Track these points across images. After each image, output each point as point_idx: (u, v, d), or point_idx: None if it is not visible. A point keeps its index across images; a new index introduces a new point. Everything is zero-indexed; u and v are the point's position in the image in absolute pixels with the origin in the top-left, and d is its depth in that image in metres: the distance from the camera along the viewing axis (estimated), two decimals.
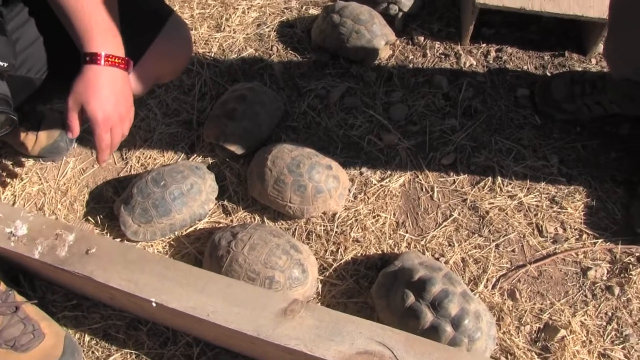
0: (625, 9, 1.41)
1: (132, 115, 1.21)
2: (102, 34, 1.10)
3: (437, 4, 2.06)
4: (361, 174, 1.65)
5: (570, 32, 1.97)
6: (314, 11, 2.05)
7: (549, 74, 1.87)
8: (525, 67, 1.89)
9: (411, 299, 1.27)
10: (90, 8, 1.11)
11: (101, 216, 1.58)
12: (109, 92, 1.12)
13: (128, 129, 1.22)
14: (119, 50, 1.13)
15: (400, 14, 1.94)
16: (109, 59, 1.11)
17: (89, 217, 1.58)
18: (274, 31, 2.00)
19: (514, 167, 1.66)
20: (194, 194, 1.54)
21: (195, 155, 1.70)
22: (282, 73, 1.87)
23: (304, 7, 2.07)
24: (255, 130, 1.66)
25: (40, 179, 1.66)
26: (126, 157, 1.71)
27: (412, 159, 1.68)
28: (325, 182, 1.49)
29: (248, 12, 2.06)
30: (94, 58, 1.10)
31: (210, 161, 1.69)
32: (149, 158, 1.71)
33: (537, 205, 1.59)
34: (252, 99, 1.67)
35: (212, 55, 1.93)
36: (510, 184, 1.63)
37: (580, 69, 1.88)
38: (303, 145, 1.61)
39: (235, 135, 1.63)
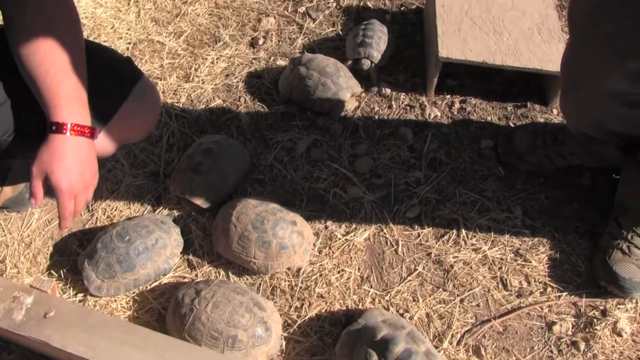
0: (573, 72, 1.45)
1: (96, 181, 1.22)
2: (68, 103, 1.11)
3: (404, 55, 2.10)
4: (326, 227, 1.65)
5: (532, 83, 2.02)
6: (281, 62, 2.06)
7: (512, 125, 1.90)
8: (489, 118, 1.92)
9: (374, 359, 1.26)
10: (58, 76, 1.11)
11: (65, 270, 1.56)
12: (74, 161, 1.13)
13: (92, 194, 1.22)
14: (86, 119, 1.14)
15: (373, 65, 1.97)
16: (75, 129, 1.11)
17: (52, 271, 1.56)
18: (242, 82, 2.02)
19: (478, 219, 1.67)
20: (158, 249, 1.53)
21: (161, 207, 1.70)
22: (249, 124, 1.88)
23: (271, 58, 2.09)
24: (222, 184, 1.65)
25: (4, 230, 1.64)
26: (92, 209, 1.69)
27: (377, 212, 1.68)
28: (290, 238, 1.49)
29: (217, 63, 2.07)
30: (59, 127, 1.10)
31: (176, 214, 1.68)
32: (115, 210, 1.69)
33: (502, 259, 1.60)
34: (218, 153, 1.67)
35: (181, 106, 1.93)
36: (475, 236, 1.64)
37: (542, 120, 1.92)
38: (268, 199, 1.61)
39: (201, 189, 1.63)
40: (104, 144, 1.30)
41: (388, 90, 1.99)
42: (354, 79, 1.95)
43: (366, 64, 1.98)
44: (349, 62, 2.00)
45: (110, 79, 1.31)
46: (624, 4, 1.18)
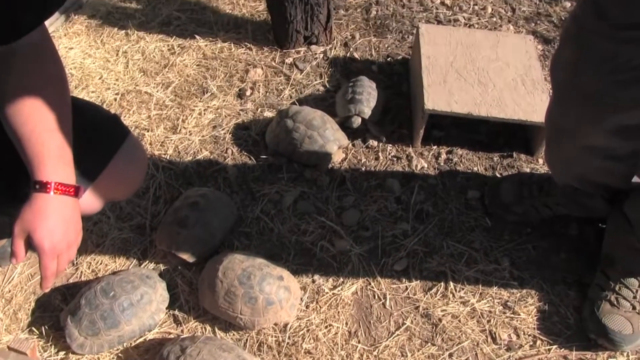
0: (555, 126, 1.51)
1: (80, 240, 1.23)
2: (53, 162, 1.12)
3: (390, 105, 2.17)
4: (313, 281, 1.69)
5: (517, 133, 2.09)
6: (269, 113, 2.13)
7: (498, 175, 1.97)
8: (475, 169, 1.98)
9: None
10: (43, 135, 1.12)
11: (46, 326, 1.58)
12: (58, 220, 1.14)
13: (75, 253, 1.23)
14: (70, 178, 1.15)
15: (364, 120, 2.02)
16: (59, 188, 1.12)
17: (34, 328, 1.58)
18: (229, 133, 2.07)
19: (466, 271, 1.71)
20: (144, 305, 1.56)
21: (147, 261, 1.73)
22: (236, 177, 1.93)
23: (259, 109, 2.16)
24: (208, 238, 1.69)
25: None
26: (77, 263, 1.72)
27: (365, 265, 1.73)
28: (276, 294, 1.53)
29: (204, 114, 2.14)
30: (43, 186, 1.11)
31: (163, 268, 1.71)
32: (100, 264, 1.72)
33: (490, 311, 1.64)
34: (204, 206, 1.72)
35: (168, 158, 1.99)
36: (463, 289, 1.68)
37: (528, 170, 1.98)
38: (255, 254, 1.65)
39: (187, 243, 1.67)
40: (90, 202, 1.33)
41: (375, 142, 2.05)
42: (341, 132, 2.01)
43: (357, 121, 2.03)
44: (337, 119, 2.04)
45: (98, 136, 1.34)
46: (603, 61, 1.22)
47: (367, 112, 2.04)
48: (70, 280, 1.69)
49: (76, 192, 1.17)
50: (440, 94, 1.94)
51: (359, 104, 2.04)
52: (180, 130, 2.10)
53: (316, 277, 1.71)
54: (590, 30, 1.22)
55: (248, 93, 2.23)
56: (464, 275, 1.71)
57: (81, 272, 1.72)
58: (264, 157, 2.01)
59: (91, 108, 1.42)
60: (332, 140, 1.95)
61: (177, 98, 2.22)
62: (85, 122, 1.28)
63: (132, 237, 1.79)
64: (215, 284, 1.55)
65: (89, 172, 1.30)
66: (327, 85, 2.27)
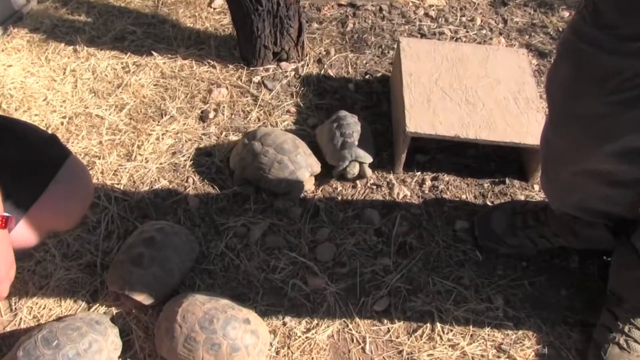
0: (551, 150, 1.53)
1: (12, 274, 1.22)
2: None
3: (369, 128, 2.19)
4: (284, 324, 1.69)
5: (510, 157, 2.13)
6: (234, 137, 2.15)
7: (489, 204, 2.00)
8: (463, 197, 2.01)
9: None
10: None
11: None
12: None
13: (7, 289, 1.22)
14: None
15: (358, 167, 2.00)
16: None
17: None
18: (191, 160, 2.09)
19: (454, 311, 1.73)
20: (92, 354, 1.54)
21: (97, 305, 1.72)
22: (198, 208, 1.94)
23: (223, 133, 2.18)
24: (166, 277, 1.70)
25: None
26: (15, 308, 1.71)
27: (342, 305, 1.74)
28: (242, 339, 1.53)
29: (162, 139, 2.15)
30: None
31: (115, 311, 1.71)
32: (43, 308, 1.71)
33: (482, 355, 1.65)
34: (162, 242, 1.72)
35: (122, 188, 1.99)
36: (452, 330, 1.70)
37: (522, 197, 2.01)
38: (218, 294, 1.66)
39: (142, 283, 1.67)
40: (24, 234, 1.31)
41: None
42: (314, 157, 2.03)
43: (354, 169, 1.99)
44: (338, 170, 2.01)
45: (32, 160, 1.32)
46: (605, 78, 1.15)
47: (364, 155, 2.00)
48: (7, 329, 1.68)
49: (5, 223, 1.16)
50: (424, 115, 1.97)
51: (353, 148, 2.00)
52: (135, 157, 2.11)
53: (287, 319, 1.71)
54: (591, 43, 1.15)
55: (211, 115, 2.25)
56: (452, 315, 1.73)
57: (20, 318, 1.70)
58: (230, 186, 2.02)
59: (24, 128, 1.40)
60: (304, 167, 1.98)
61: (132, 121, 2.24)
62: (18, 145, 1.28)
63: (81, 278, 1.79)
64: (173, 329, 1.55)
65: (22, 200, 1.29)
66: (301, 106, 2.29)
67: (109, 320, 1.66)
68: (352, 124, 2.03)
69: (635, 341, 1.56)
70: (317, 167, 2.01)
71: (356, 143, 2.00)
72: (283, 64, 2.43)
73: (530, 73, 2.16)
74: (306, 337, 1.68)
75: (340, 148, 2.00)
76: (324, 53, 2.51)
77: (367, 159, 2.01)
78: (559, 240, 1.77)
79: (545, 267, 1.83)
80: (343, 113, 2.08)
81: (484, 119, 1.98)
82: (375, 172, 2.08)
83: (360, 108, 2.26)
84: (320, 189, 2.03)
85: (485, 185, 2.06)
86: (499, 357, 1.65)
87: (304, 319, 1.71)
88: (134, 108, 2.27)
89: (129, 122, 2.23)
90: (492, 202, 2.00)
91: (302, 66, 2.45)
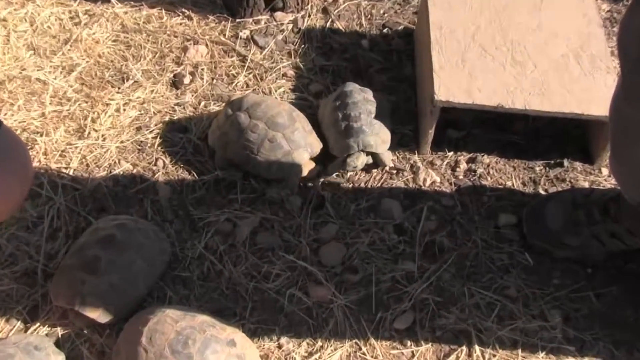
0: (625, 122, 1.49)
1: None
2: None
3: (388, 97, 2.17)
4: (279, 347, 1.68)
5: (570, 132, 2.10)
6: (215, 108, 2.13)
7: (543, 192, 1.97)
8: (509, 184, 1.99)
9: None
10: None
11: None
12: None
13: None
14: None
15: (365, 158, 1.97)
16: None
17: None
18: (160, 137, 2.08)
19: (498, 330, 1.71)
20: None
21: (37, 324, 1.71)
22: (169, 199, 1.93)
23: (202, 103, 2.16)
24: (128, 287, 1.69)
25: None
26: None
27: (353, 322, 1.72)
28: None
29: (124, 110, 2.14)
30: None
31: (61, 333, 1.70)
32: None
33: None
34: (123, 242, 1.71)
35: (71, 173, 1.98)
36: (494, 356, 1.68)
37: (586, 184, 1.99)
38: (195, 309, 1.64)
39: (97, 295, 1.66)
40: None
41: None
42: (314, 134, 2.01)
43: (360, 159, 1.96)
44: (338, 162, 1.98)
45: None
46: None
47: (374, 142, 1.95)
48: None
49: None
50: (458, 79, 1.94)
51: (360, 134, 1.95)
52: (89, 134, 2.09)
53: (284, 340, 1.70)
54: None
55: (186, 80, 2.23)
56: (495, 336, 1.71)
57: None
58: (211, 170, 2.01)
59: None
60: (302, 147, 1.95)
61: (85, 88, 2.21)
62: None
63: (16, 289, 1.77)
64: (137, 354, 1.54)
65: None
66: (301, 67, 2.28)
67: (52, 345, 1.64)
68: (361, 102, 1.97)
69: None
70: (317, 147, 1.99)
71: (365, 128, 1.94)
72: (278, 14, 2.41)
73: (598, 22, 2.12)
74: None
75: (344, 135, 1.96)
76: (331, 0, 2.47)
77: (380, 147, 1.97)
78: (634, 240, 1.73)
79: (617, 275, 1.81)
80: (350, 87, 2.02)
81: (536, 83, 1.95)
82: (396, 152, 2.06)
83: (375, 71, 2.23)
84: (325, 174, 2.01)
85: (537, 168, 2.04)
86: None
87: (305, 340, 1.70)
88: (86, 70, 2.25)
89: (81, 88, 2.21)
90: (546, 191, 1.98)
91: (303, 17, 2.42)
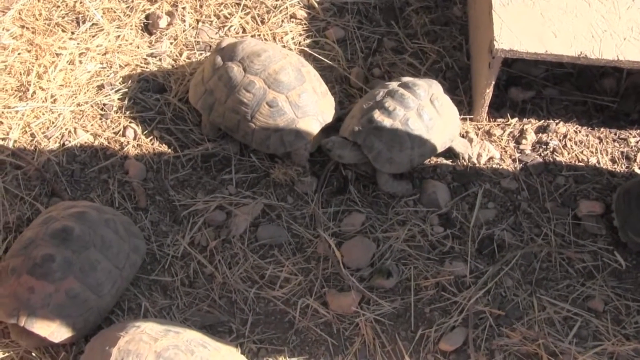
0: None
1: None
2: None
3: (433, 47, 2.20)
4: None
5: None
6: (202, 59, 2.15)
7: (639, 172, 2.00)
8: (592, 161, 2.01)
9: None
10: None
11: None
12: None
13: None
14: None
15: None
16: None
17: None
18: (129, 99, 2.09)
19: (578, 354, 1.72)
20: None
21: None
22: (144, 179, 1.96)
23: (184, 54, 2.18)
24: (90, 296, 1.70)
25: None
26: None
27: (386, 340, 1.74)
28: None
29: (80, 63, 2.16)
30: None
31: (2, 355, 1.72)
32: None
33: None
34: (83, 237, 1.73)
35: (10, 145, 2.01)
36: None
37: None
38: (180, 323, 1.67)
39: (49, 306, 1.67)
40: None
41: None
42: (329, 98, 2.04)
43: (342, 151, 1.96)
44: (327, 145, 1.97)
45: None
46: None
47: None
48: None
49: None
50: (526, 21, 1.95)
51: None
52: (33, 94, 2.12)
53: None
54: None
55: (163, 23, 2.25)
56: None
57: None
58: (198, 141, 2.03)
59: None
60: (311, 114, 1.98)
61: (26, 32, 2.23)
62: None
63: None
64: None
65: None
66: (315, 5, 2.29)
67: None
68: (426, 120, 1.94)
69: None
70: (329, 115, 2.02)
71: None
72: None
73: None
74: None
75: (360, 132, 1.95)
76: None
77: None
78: None
79: None
80: (409, 81, 2.00)
81: (629, 26, 1.96)
82: None
83: (414, 11, 2.25)
84: None
85: (632, 140, 2.06)
86: None
87: None
88: (28, 9, 2.27)
89: (20, 32, 2.23)
90: None
91: None
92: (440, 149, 1.94)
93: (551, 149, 2.00)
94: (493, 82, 1.97)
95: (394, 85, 1.97)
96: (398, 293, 1.82)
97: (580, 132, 2.03)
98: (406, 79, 2.01)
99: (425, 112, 1.91)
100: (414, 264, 1.85)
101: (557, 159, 1.99)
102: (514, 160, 1.99)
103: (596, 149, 2.02)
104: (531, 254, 1.86)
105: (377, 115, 1.91)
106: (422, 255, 1.87)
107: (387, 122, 1.90)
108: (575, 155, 2.00)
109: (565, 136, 2.02)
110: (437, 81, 2.08)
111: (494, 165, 1.98)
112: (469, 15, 2.18)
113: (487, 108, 2.02)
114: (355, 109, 2.01)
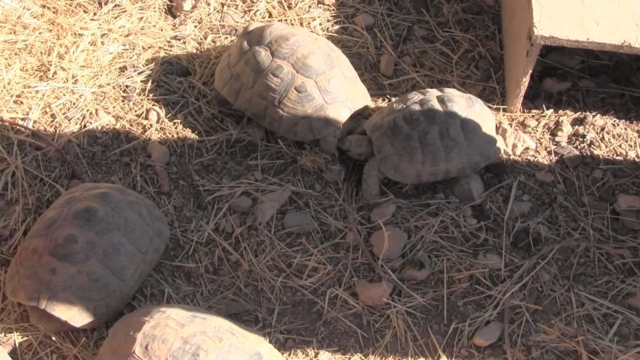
0: None
1: None
2: None
3: (464, 35, 2.18)
4: None
5: None
6: (227, 43, 2.15)
7: None
8: (631, 154, 1.99)
9: None
10: None
11: None
12: None
13: None
14: None
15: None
16: None
17: None
18: (152, 82, 2.08)
19: (619, 352, 1.70)
20: None
21: None
22: (167, 163, 1.94)
23: (209, 37, 2.17)
24: (112, 279, 1.68)
25: None
26: None
27: (418, 333, 1.73)
28: None
29: (102, 44, 2.14)
30: None
31: (20, 340, 1.71)
32: None
33: None
34: (107, 218, 1.70)
35: (31, 126, 2.00)
36: None
37: None
38: (205, 310, 1.65)
39: (70, 289, 1.65)
40: None
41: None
42: (360, 84, 2.03)
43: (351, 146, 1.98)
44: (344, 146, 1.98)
45: None
46: None
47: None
48: None
49: None
50: (566, 7, 1.93)
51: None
52: (54, 74, 2.10)
53: (324, 356, 1.70)
54: None
55: (187, 6, 2.24)
56: None
57: None
58: (223, 127, 2.02)
59: None
60: (340, 101, 1.96)
61: (48, 12, 2.22)
62: None
63: None
64: None
65: None
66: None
67: (7, 356, 1.65)
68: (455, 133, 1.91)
69: None
70: (359, 101, 2.00)
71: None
72: None
73: None
74: None
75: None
76: None
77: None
78: None
79: None
80: (446, 101, 1.95)
81: None
82: None
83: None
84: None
85: None
86: None
87: (352, 358, 1.69)
88: None
89: (42, 12, 2.22)
90: None
91: None
92: (456, 173, 1.91)
93: (588, 142, 1.99)
94: (530, 71, 1.96)
95: (431, 94, 1.95)
96: (430, 285, 1.81)
97: (618, 125, 2.02)
98: (448, 90, 1.99)
99: (451, 131, 1.88)
100: (447, 255, 1.84)
101: (595, 152, 1.98)
102: (549, 153, 1.98)
103: (635, 143, 2.01)
104: (568, 249, 1.85)
105: (399, 119, 1.90)
106: (454, 247, 1.85)
107: (405, 129, 1.88)
108: (613, 148, 1.99)
109: (602, 129, 2.01)
110: (469, 72, 2.08)
111: (528, 157, 1.97)
112: (502, 3, 2.17)
113: (522, 98, 2.00)
114: (387, 106, 2.02)
